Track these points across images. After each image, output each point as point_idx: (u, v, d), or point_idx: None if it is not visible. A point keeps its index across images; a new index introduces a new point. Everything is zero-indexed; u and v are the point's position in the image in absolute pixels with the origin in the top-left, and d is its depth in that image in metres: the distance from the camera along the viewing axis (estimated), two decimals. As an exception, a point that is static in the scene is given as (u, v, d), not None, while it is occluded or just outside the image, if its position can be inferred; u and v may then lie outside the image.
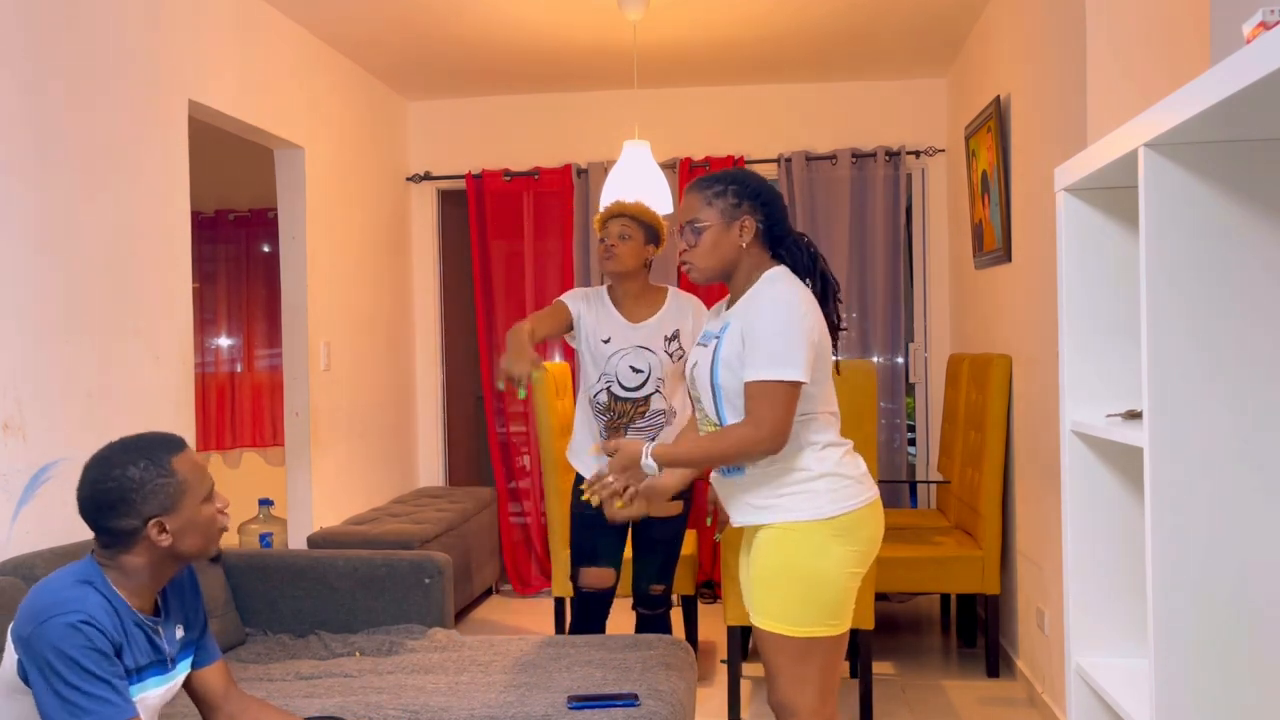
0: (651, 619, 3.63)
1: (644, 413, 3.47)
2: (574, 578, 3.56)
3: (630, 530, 3.58)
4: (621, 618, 4.92)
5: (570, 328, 3.51)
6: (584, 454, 3.56)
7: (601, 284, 3.61)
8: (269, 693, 2.82)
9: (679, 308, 3.54)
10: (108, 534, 1.96)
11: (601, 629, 3.62)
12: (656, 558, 3.57)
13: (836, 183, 5.57)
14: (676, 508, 3.52)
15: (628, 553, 3.70)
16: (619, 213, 3.48)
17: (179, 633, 2.11)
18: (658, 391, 3.47)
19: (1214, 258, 1.67)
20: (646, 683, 2.81)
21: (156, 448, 2.01)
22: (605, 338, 3.47)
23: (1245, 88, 1.34)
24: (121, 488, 1.94)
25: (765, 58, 5.25)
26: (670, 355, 3.48)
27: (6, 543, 2.80)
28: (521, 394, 3.02)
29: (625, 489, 2.39)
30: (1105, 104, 3.14)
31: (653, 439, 3.45)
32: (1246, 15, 2.08)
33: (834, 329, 2.41)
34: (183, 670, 2.12)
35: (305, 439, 4.59)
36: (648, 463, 2.35)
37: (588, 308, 3.52)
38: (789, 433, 2.27)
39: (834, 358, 2.44)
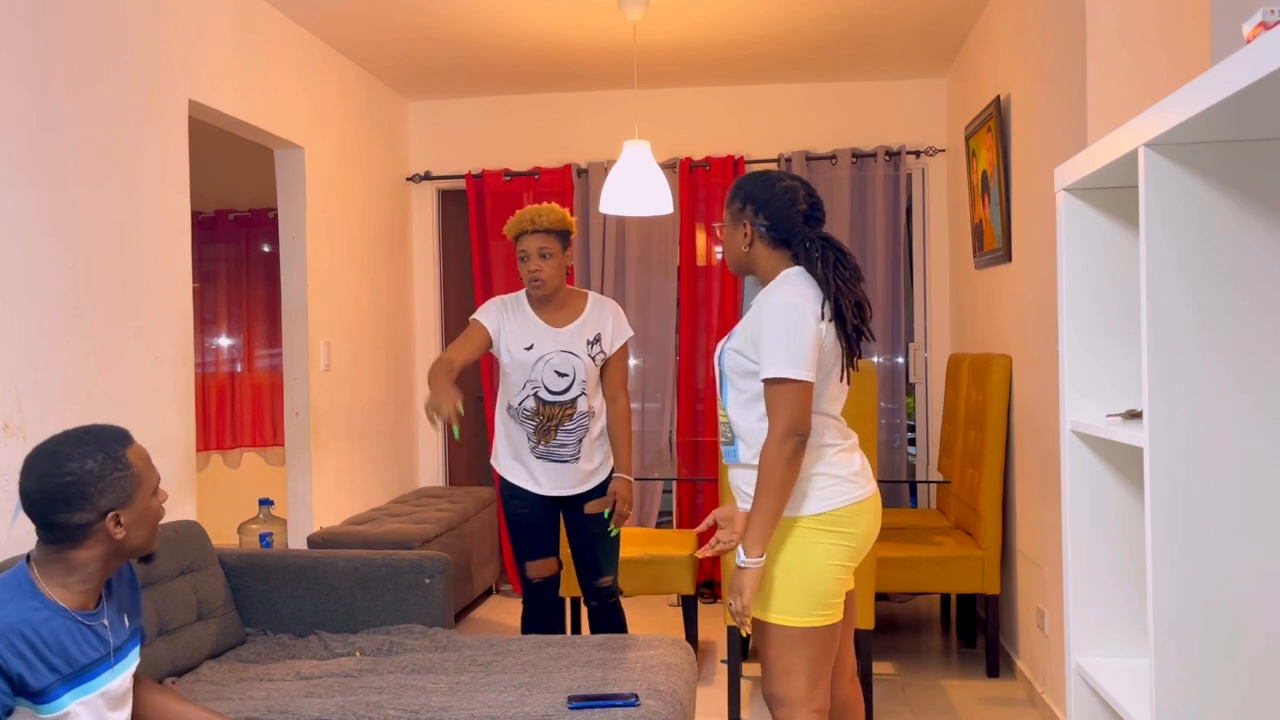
0: (603, 610, 3.70)
1: (570, 415, 3.54)
2: (521, 573, 3.66)
3: (566, 532, 3.70)
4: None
5: (490, 345, 3.56)
6: (509, 461, 3.62)
7: (521, 291, 3.65)
8: (269, 693, 2.82)
9: (599, 313, 3.60)
10: (59, 529, 1.93)
11: (556, 614, 3.69)
12: (597, 552, 3.66)
13: (836, 183, 5.57)
14: (602, 505, 3.61)
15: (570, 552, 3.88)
16: (532, 228, 3.48)
17: (125, 621, 2.11)
18: (583, 394, 3.54)
19: (1214, 257, 1.67)
20: (646, 683, 2.81)
21: (110, 440, 1.99)
22: (528, 345, 3.53)
23: (1245, 88, 1.34)
24: (80, 481, 1.92)
25: (765, 58, 5.25)
26: (593, 359, 3.55)
27: (6, 543, 2.80)
28: (456, 434, 3.13)
29: (743, 605, 2.37)
30: (1105, 104, 3.14)
31: (580, 440, 3.55)
32: (1246, 15, 2.08)
33: (851, 334, 2.40)
34: (133, 659, 2.12)
35: (305, 439, 4.60)
36: (748, 562, 2.34)
37: (506, 317, 3.57)
38: (808, 423, 2.32)
39: (845, 365, 2.42)
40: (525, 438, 3.56)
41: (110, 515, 1.95)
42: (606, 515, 3.60)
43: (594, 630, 3.74)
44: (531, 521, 3.59)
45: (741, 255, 2.51)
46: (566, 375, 3.51)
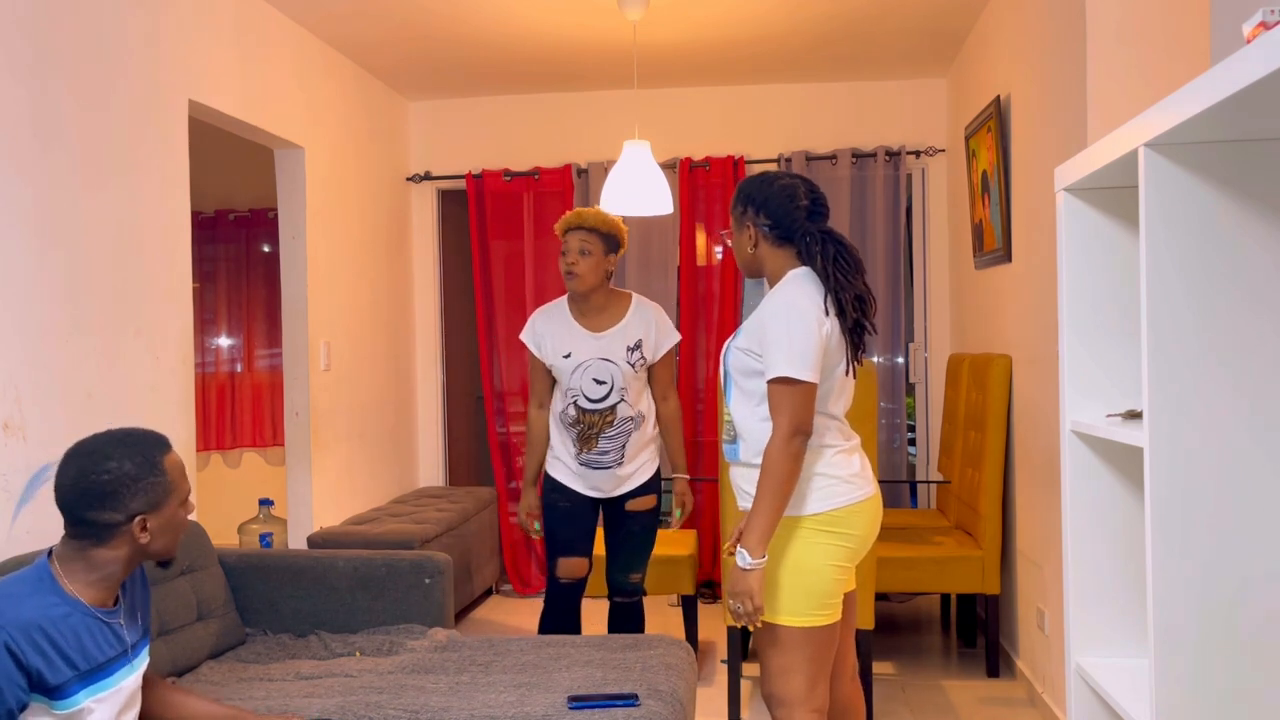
0: (628, 606, 3.72)
1: (611, 421, 3.53)
2: (550, 568, 3.66)
3: (604, 526, 3.70)
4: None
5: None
6: (554, 460, 3.65)
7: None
8: (269, 693, 2.82)
9: (642, 317, 3.59)
10: (85, 525, 1.96)
11: (575, 618, 3.70)
12: (633, 549, 3.67)
13: (836, 183, 5.56)
14: (649, 502, 3.63)
15: (599, 549, 3.91)
16: (577, 225, 3.50)
17: (138, 620, 2.14)
18: (622, 400, 3.53)
19: (1214, 257, 1.67)
20: (646, 683, 2.81)
21: (149, 446, 2.02)
22: (566, 353, 3.53)
23: (1245, 88, 1.34)
24: (115, 481, 1.95)
25: (765, 58, 5.24)
26: (632, 365, 3.53)
27: (6, 543, 2.80)
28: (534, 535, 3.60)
29: (754, 606, 2.33)
30: (1105, 104, 3.14)
31: (622, 446, 3.54)
32: (1246, 15, 2.08)
33: (853, 331, 2.42)
34: (145, 658, 2.14)
35: (305, 439, 4.60)
36: (752, 564, 2.30)
37: (547, 327, 3.58)
38: (810, 423, 2.33)
39: (850, 363, 2.44)
40: (571, 443, 3.57)
41: (138, 519, 1.98)
42: (678, 514, 3.63)
43: (612, 627, 3.75)
44: (570, 518, 3.59)
45: (749, 257, 2.52)
46: (605, 383, 3.49)
